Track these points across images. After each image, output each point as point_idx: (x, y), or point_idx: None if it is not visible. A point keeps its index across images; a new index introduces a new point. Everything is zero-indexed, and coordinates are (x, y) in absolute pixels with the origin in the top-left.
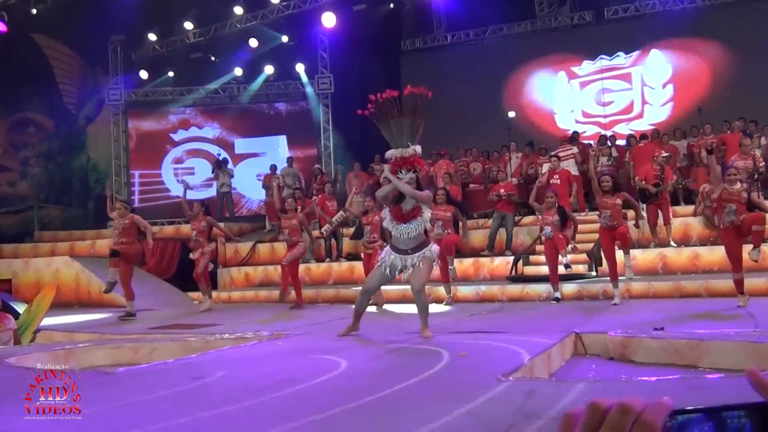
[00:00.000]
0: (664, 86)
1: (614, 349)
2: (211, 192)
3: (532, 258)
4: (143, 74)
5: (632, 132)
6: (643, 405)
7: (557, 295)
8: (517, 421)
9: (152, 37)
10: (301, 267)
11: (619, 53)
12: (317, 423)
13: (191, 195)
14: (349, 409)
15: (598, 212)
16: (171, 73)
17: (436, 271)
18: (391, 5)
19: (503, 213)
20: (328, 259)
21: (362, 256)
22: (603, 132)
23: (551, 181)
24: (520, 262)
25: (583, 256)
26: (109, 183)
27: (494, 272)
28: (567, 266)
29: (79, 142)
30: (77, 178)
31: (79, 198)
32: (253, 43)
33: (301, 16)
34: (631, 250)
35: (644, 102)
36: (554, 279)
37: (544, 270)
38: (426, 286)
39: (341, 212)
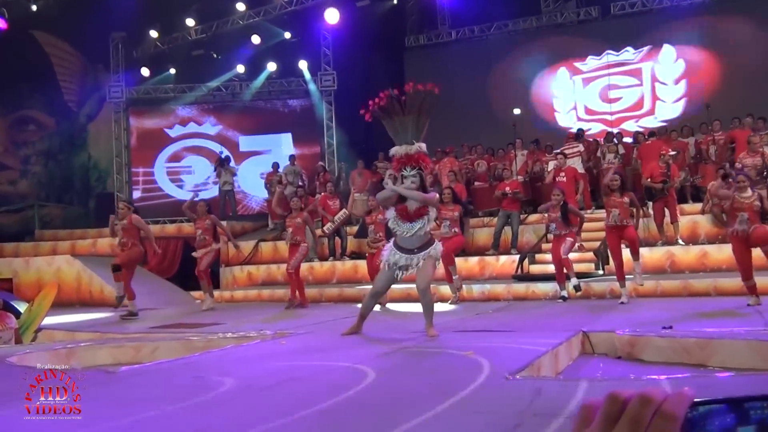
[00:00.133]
0: (676, 82)
1: (622, 347)
2: (214, 191)
3: (538, 257)
4: (145, 71)
5: (641, 129)
6: (664, 395)
7: (564, 293)
8: (524, 420)
9: (154, 33)
10: (305, 266)
11: (627, 48)
12: (320, 419)
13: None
14: (351, 407)
15: (605, 210)
16: (173, 71)
17: (441, 271)
18: (395, 1)
19: (508, 211)
20: (331, 258)
21: (366, 256)
22: (608, 129)
23: (557, 179)
24: (526, 261)
25: (590, 255)
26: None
27: (500, 271)
28: (577, 288)
29: (80, 140)
30: (78, 177)
31: (80, 196)
32: (256, 39)
33: (303, 12)
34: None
35: (655, 98)
36: (560, 278)
37: (551, 268)
38: (431, 285)
39: (343, 210)
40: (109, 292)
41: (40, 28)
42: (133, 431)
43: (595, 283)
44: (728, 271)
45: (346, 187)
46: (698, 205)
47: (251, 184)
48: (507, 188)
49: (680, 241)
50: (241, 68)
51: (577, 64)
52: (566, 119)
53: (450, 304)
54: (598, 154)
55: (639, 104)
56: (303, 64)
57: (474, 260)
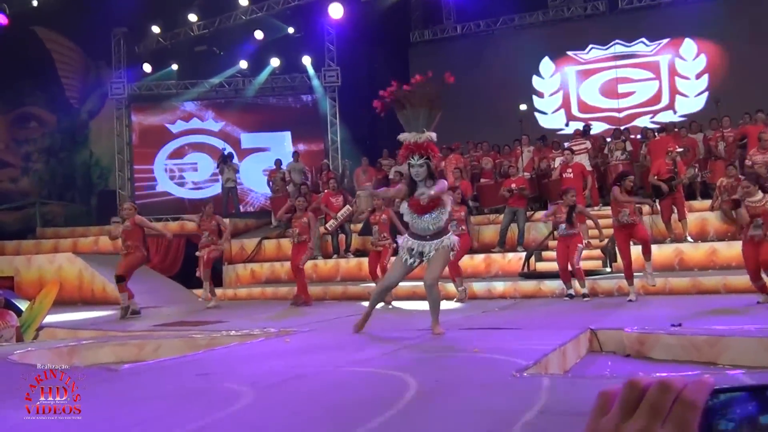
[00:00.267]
0: (698, 77)
1: (630, 345)
2: (217, 188)
3: (544, 254)
4: (147, 68)
5: (656, 125)
6: (684, 383)
7: (570, 291)
8: (532, 417)
9: (156, 29)
10: (309, 264)
11: (641, 39)
12: (325, 416)
13: (195, 193)
14: (356, 404)
15: (611, 208)
16: (175, 66)
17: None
18: None
19: (515, 208)
20: (335, 256)
21: (369, 254)
22: (613, 126)
23: (564, 175)
24: (533, 258)
25: (597, 252)
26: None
27: (506, 268)
28: (585, 296)
29: (81, 137)
30: (80, 174)
31: (82, 194)
32: (259, 35)
33: (307, 7)
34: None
35: (675, 92)
36: (565, 278)
37: (557, 266)
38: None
39: (347, 206)
40: (112, 291)
41: (41, 23)
42: (135, 429)
43: (602, 280)
44: (738, 268)
45: (351, 185)
46: (707, 202)
47: (254, 180)
48: (513, 185)
49: (689, 238)
50: (243, 64)
51: (584, 59)
52: (576, 114)
53: (456, 302)
54: (606, 150)
55: (656, 98)
56: (306, 60)
57: (480, 258)
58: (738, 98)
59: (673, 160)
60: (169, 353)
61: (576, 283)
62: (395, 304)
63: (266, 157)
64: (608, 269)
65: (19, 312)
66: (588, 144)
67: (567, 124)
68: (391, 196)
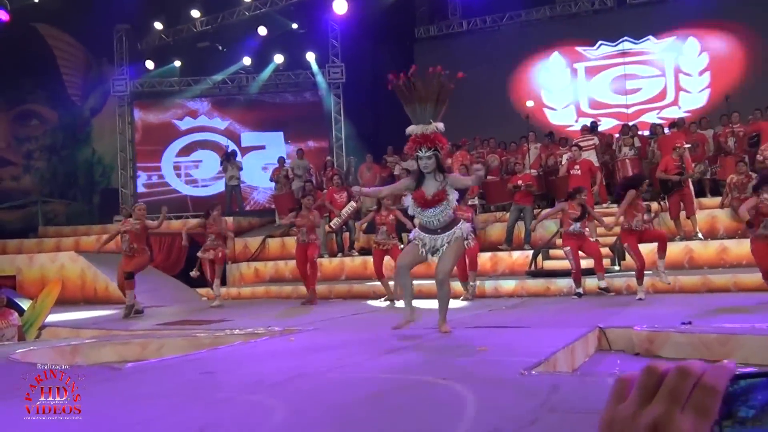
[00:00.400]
0: (700, 74)
1: (640, 344)
2: (220, 186)
3: (552, 252)
4: (149, 64)
5: (662, 121)
6: (704, 368)
7: (579, 290)
8: (541, 415)
9: (158, 25)
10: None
11: (648, 37)
12: (330, 415)
13: (198, 191)
14: (361, 403)
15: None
16: (178, 63)
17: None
18: None
19: (521, 205)
20: (340, 254)
21: (373, 252)
22: (622, 122)
23: (572, 172)
24: (540, 256)
25: (606, 250)
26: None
27: (513, 267)
28: (605, 290)
29: (83, 134)
30: (82, 172)
31: (84, 192)
32: (262, 31)
33: (311, 2)
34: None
35: (679, 89)
36: (577, 277)
37: (565, 264)
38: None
39: (351, 203)
40: (114, 290)
41: (43, 20)
42: (138, 427)
43: (611, 278)
44: (748, 266)
45: (356, 182)
46: (717, 199)
47: (252, 179)
48: (519, 181)
49: (699, 235)
50: (247, 60)
51: (591, 55)
52: (563, 116)
53: (462, 300)
54: (614, 147)
55: (662, 95)
56: (310, 56)
57: (486, 256)
58: (748, 94)
59: (680, 156)
60: (173, 352)
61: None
62: (399, 304)
63: (262, 155)
64: (617, 267)
65: (21, 311)
66: (596, 140)
67: (576, 121)
68: (383, 196)
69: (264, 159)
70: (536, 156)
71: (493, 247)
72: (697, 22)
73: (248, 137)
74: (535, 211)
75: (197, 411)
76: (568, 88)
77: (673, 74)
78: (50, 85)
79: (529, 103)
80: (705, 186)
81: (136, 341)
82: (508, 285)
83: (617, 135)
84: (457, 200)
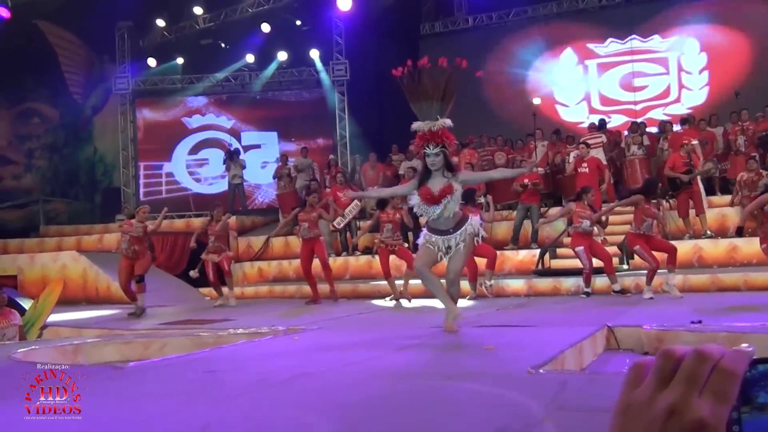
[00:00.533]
0: (700, 72)
1: (649, 343)
2: (223, 185)
3: (559, 251)
4: (151, 62)
5: (667, 117)
6: (721, 352)
7: (588, 290)
8: (549, 413)
9: (160, 23)
10: (316, 261)
11: (654, 36)
12: (335, 413)
13: (202, 190)
14: (367, 402)
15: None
16: (180, 60)
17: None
18: None
19: (528, 204)
20: (344, 253)
21: (378, 252)
22: (631, 120)
23: (579, 170)
24: (547, 255)
25: (614, 249)
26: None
27: (520, 266)
28: (621, 292)
29: (85, 133)
30: (84, 171)
31: (86, 191)
32: (266, 28)
33: None
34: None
35: (681, 86)
36: (589, 277)
37: (573, 263)
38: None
39: (354, 202)
40: (116, 289)
41: (44, 17)
42: (141, 425)
43: (619, 277)
44: (759, 265)
45: (359, 181)
46: (727, 197)
47: (257, 176)
48: (526, 180)
49: (709, 233)
50: (250, 58)
51: (600, 52)
52: (574, 112)
53: (468, 299)
54: (623, 145)
55: (666, 93)
56: (314, 54)
57: None
58: (756, 90)
59: (688, 153)
60: (175, 352)
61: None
62: (404, 302)
63: (260, 154)
64: (625, 266)
65: (22, 311)
66: (603, 138)
67: (588, 117)
68: (385, 196)
69: (261, 157)
70: (543, 154)
71: (499, 247)
72: (709, 14)
73: (247, 136)
74: (542, 210)
75: (200, 409)
76: (580, 85)
77: (676, 73)
78: (52, 83)
79: (536, 101)
80: (715, 184)
81: (139, 341)
82: (515, 284)
83: (625, 132)
84: (464, 201)
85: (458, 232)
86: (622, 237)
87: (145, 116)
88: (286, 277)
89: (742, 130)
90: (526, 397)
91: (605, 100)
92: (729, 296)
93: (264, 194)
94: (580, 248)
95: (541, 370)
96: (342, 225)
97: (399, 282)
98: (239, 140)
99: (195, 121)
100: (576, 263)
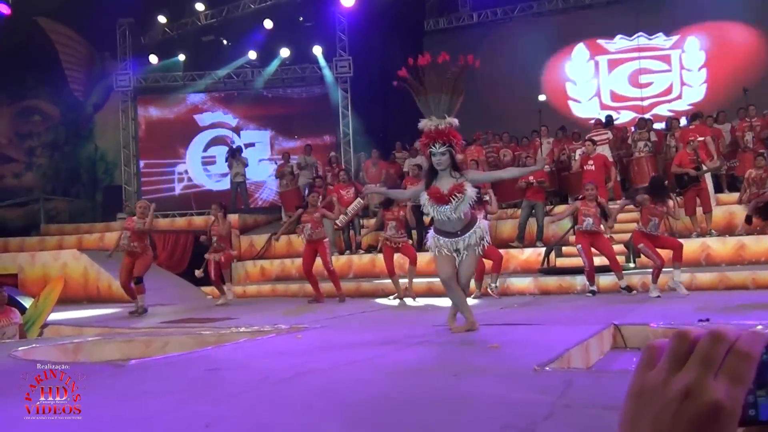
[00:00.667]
0: (699, 69)
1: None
2: (225, 183)
3: (565, 249)
4: (153, 59)
5: (671, 113)
6: (737, 334)
7: (593, 288)
8: (555, 410)
9: (162, 19)
10: (319, 260)
11: (658, 34)
12: (339, 411)
13: (214, 186)
14: (371, 400)
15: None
16: (182, 57)
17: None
18: None
19: (533, 202)
20: (347, 252)
21: (383, 250)
22: (639, 116)
23: (585, 167)
24: (553, 254)
25: (620, 247)
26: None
27: (525, 265)
28: (627, 289)
29: (86, 130)
30: (85, 169)
31: (87, 189)
32: (268, 24)
33: None
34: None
35: (682, 84)
36: (590, 275)
37: (579, 261)
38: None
39: (358, 200)
40: (117, 288)
41: (45, 14)
42: (143, 423)
43: (626, 276)
44: (767, 263)
45: (361, 178)
46: (735, 195)
47: (258, 174)
48: (531, 177)
49: (713, 232)
50: (252, 55)
51: (608, 48)
52: (596, 105)
53: (473, 298)
54: (629, 141)
55: (669, 90)
56: (317, 50)
57: None
58: (765, 87)
59: (695, 150)
60: (177, 350)
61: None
62: (407, 301)
63: (257, 152)
64: (632, 264)
65: (22, 309)
66: (609, 134)
67: (599, 113)
68: (405, 199)
69: (258, 155)
70: (548, 151)
71: (504, 245)
72: (717, 12)
73: (245, 134)
74: (547, 208)
75: (203, 407)
76: (591, 81)
77: (678, 70)
78: (52, 80)
79: (542, 97)
80: (722, 181)
81: (140, 339)
82: (520, 283)
83: (632, 128)
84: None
85: (466, 235)
86: (629, 235)
87: (146, 113)
88: (289, 275)
89: (749, 126)
90: (532, 394)
91: (615, 96)
92: (737, 294)
93: (267, 193)
94: (579, 246)
95: (547, 368)
96: (344, 222)
97: (403, 280)
98: (240, 138)
99: (206, 118)
100: (581, 262)
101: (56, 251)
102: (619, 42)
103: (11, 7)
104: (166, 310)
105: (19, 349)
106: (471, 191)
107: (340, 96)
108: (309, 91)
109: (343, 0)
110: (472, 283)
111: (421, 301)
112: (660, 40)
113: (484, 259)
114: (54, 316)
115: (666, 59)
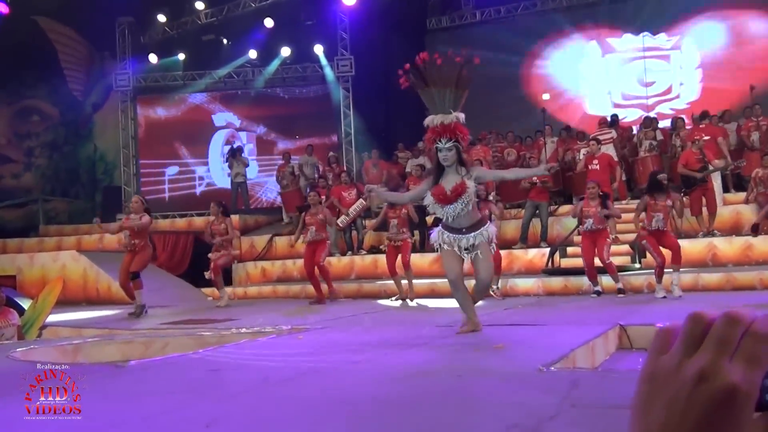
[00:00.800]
0: (696, 68)
1: None
2: (225, 183)
3: (569, 250)
4: (152, 58)
5: (672, 112)
6: (753, 316)
7: (597, 288)
8: (562, 410)
9: (161, 18)
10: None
11: (661, 33)
12: (341, 411)
13: (204, 188)
14: (373, 401)
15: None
16: (182, 56)
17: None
18: None
19: (536, 202)
20: (349, 252)
21: (386, 250)
22: (646, 114)
23: (590, 167)
24: (557, 254)
25: (626, 248)
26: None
27: (529, 265)
28: (622, 291)
29: (85, 130)
30: (84, 169)
31: (86, 190)
32: (269, 23)
33: None
34: (678, 240)
35: (680, 83)
36: (591, 275)
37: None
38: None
39: (359, 201)
40: (117, 289)
41: (44, 13)
42: (143, 423)
43: (631, 276)
44: None
45: (361, 180)
46: (741, 195)
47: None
48: (534, 177)
49: (716, 233)
50: (253, 54)
51: (614, 46)
52: (601, 104)
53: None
54: (635, 140)
55: (669, 89)
56: (319, 49)
57: (502, 254)
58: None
59: (700, 149)
60: (177, 351)
61: (599, 280)
62: (409, 302)
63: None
64: (637, 265)
65: (21, 311)
66: (614, 133)
67: (610, 110)
68: (406, 201)
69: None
70: (552, 150)
71: (508, 245)
72: (720, 8)
73: (243, 134)
74: (551, 208)
75: (204, 407)
76: (601, 78)
77: (677, 69)
78: (51, 80)
79: (545, 96)
80: (728, 181)
81: (140, 340)
82: (525, 283)
83: (637, 127)
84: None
85: (472, 234)
86: (635, 236)
87: (146, 113)
88: (290, 277)
89: (756, 125)
90: (538, 394)
91: (624, 95)
92: (744, 295)
93: (267, 193)
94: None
95: (552, 368)
96: (346, 223)
97: (405, 281)
98: (238, 137)
99: (219, 119)
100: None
101: (55, 252)
102: (626, 40)
103: (10, 6)
104: (166, 312)
105: (18, 350)
106: (472, 187)
107: (342, 95)
108: (310, 90)
109: None
110: (472, 283)
111: (423, 302)
112: (662, 40)
113: None
114: (53, 318)
115: (666, 58)
